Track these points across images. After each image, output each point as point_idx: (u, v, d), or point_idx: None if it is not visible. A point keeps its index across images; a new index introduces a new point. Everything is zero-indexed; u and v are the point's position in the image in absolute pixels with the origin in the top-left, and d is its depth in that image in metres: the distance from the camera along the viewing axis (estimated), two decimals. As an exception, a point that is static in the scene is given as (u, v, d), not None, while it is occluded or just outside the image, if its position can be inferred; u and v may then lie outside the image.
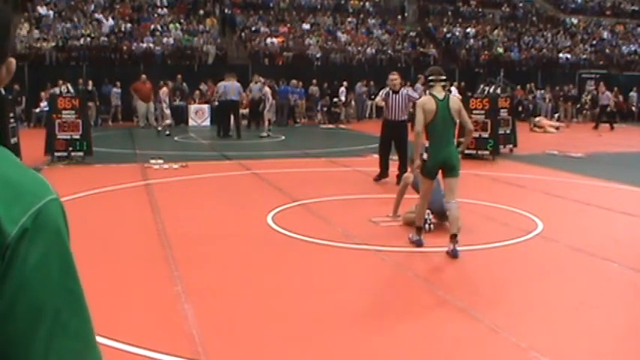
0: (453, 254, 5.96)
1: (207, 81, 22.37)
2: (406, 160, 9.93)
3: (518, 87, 26.93)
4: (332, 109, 24.56)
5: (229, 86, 18.28)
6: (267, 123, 19.39)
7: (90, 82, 21.98)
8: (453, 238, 6.01)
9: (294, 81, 23.94)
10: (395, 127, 10.08)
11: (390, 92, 10.07)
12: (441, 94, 6.28)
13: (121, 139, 17.67)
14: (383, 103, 10.34)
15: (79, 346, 0.91)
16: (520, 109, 25.42)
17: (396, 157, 10.31)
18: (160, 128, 19.15)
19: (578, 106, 27.07)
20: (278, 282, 5.36)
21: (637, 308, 4.90)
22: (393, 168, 10.27)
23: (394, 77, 10.06)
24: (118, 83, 22.43)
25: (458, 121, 6.57)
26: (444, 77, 6.45)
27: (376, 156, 13.51)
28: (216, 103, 19.43)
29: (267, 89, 19.82)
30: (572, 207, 8.66)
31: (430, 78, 6.42)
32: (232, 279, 5.43)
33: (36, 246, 0.88)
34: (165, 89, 20.18)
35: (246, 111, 21.06)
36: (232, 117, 18.68)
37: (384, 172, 10.36)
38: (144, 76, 21.43)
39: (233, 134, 18.25)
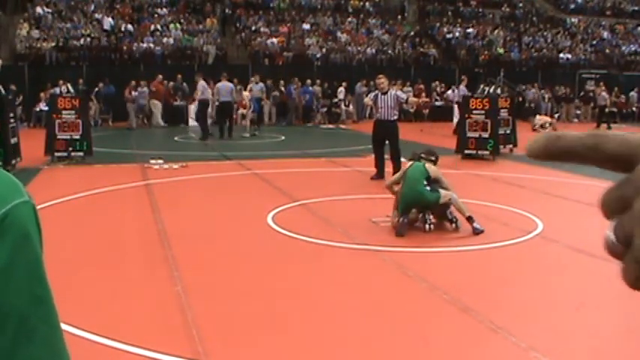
0: (476, 231, 6.70)
1: (209, 81, 22.33)
2: (399, 158, 10.27)
3: (523, 87, 26.96)
4: (332, 109, 24.58)
5: (222, 87, 18.27)
6: (249, 123, 19.47)
7: (100, 84, 21.94)
8: (470, 219, 6.78)
9: (308, 81, 24.00)
10: (386, 127, 10.46)
11: (379, 94, 10.54)
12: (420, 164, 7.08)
13: (121, 139, 17.67)
14: (371, 103, 11.05)
15: (46, 354, 0.88)
16: (526, 105, 25.67)
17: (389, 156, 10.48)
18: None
19: (576, 99, 27.26)
20: (278, 282, 5.36)
21: (637, 308, 4.90)
22: (390, 168, 10.32)
23: (381, 80, 10.59)
24: (143, 82, 22.13)
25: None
26: (433, 158, 7.25)
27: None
28: (217, 104, 19.41)
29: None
30: (572, 207, 8.66)
31: (421, 155, 7.28)
32: (232, 279, 5.43)
33: (0, 250, 0.85)
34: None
35: (246, 111, 21.06)
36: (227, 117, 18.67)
37: (380, 171, 10.52)
38: (160, 76, 21.41)
39: (214, 134, 18.11)
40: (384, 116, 10.46)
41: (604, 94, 23.89)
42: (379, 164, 10.60)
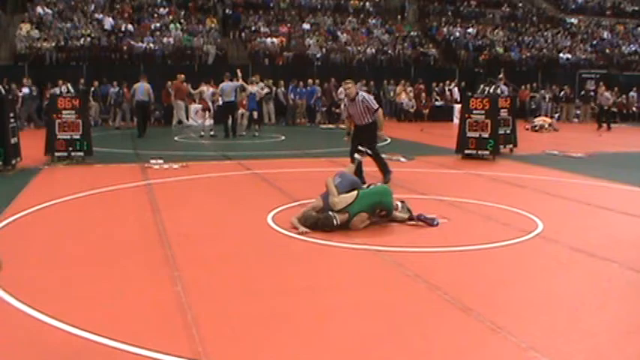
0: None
1: (210, 81, 22.36)
2: (380, 159, 10.03)
3: (523, 87, 26.96)
4: (332, 109, 24.58)
5: (226, 87, 18.46)
6: (245, 122, 19.49)
7: (96, 83, 21.96)
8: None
9: (310, 81, 24.03)
10: (360, 131, 9.90)
11: (348, 101, 9.99)
12: None
13: (121, 139, 17.67)
14: (346, 114, 10.41)
15: None
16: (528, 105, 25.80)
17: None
18: (203, 133, 18.86)
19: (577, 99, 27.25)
20: (278, 282, 5.36)
21: (637, 308, 4.90)
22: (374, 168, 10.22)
23: (348, 86, 9.94)
24: (115, 82, 22.20)
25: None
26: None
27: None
28: (220, 104, 19.58)
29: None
30: (572, 207, 8.66)
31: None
32: (232, 279, 5.43)
33: None
34: (210, 88, 20.18)
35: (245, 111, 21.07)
36: (230, 117, 18.80)
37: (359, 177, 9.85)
38: (182, 75, 21.54)
39: (218, 134, 18.51)
40: (358, 122, 9.90)
41: (607, 94, 23.73)
42: (357, 170, 9.91)
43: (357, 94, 9.80)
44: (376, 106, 9.91)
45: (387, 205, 7.16)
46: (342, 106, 10.57)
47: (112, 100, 22.43)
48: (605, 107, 23.18)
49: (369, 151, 9.38)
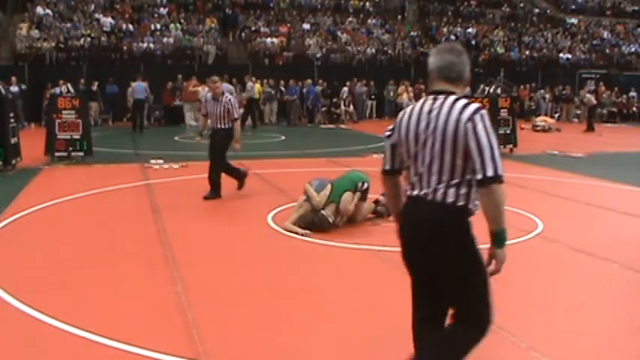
0: None
1: (205, 81, 22.45)
2: (215, 169, 9.15)
3: (522, 87, 26.94)
4: (332, 109, 24.58)
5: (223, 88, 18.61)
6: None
7: (96, 83, 21.95)
8: None
9: (308, 80, 24.06)
10: (214, 134, 9.23)
11: (210, 98, 9.19)
12: None
13: (121, 139, 17.67)
14: (204, 111, 9.49)
15: None
16: (528, 105, 25.73)
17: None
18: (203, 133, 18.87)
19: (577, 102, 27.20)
20: (278, 282, 5.36)
21: (637, 308, 4.90)
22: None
23: (216, 85, 9.10)
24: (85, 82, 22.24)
25: None
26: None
27: (376, 156, 13.49)
28: None
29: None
30: (572, 207, 8.66)
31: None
32: (232, 279, 5.43)
33: None
34: (206, 88, 20.24)
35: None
36: None
37: (215, 188, 9.12)
38: (194, 77, 21.82)
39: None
40: (214, 124, 9.14)
41: (588, 95, 23.72)
42: (230, 173, 9.30)
43: (223, 93, 9.06)
44: (237, 115, 9.14)
45: (364, 178, 7.34)
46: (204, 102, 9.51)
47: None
48: (594, 107, 23.06)
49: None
